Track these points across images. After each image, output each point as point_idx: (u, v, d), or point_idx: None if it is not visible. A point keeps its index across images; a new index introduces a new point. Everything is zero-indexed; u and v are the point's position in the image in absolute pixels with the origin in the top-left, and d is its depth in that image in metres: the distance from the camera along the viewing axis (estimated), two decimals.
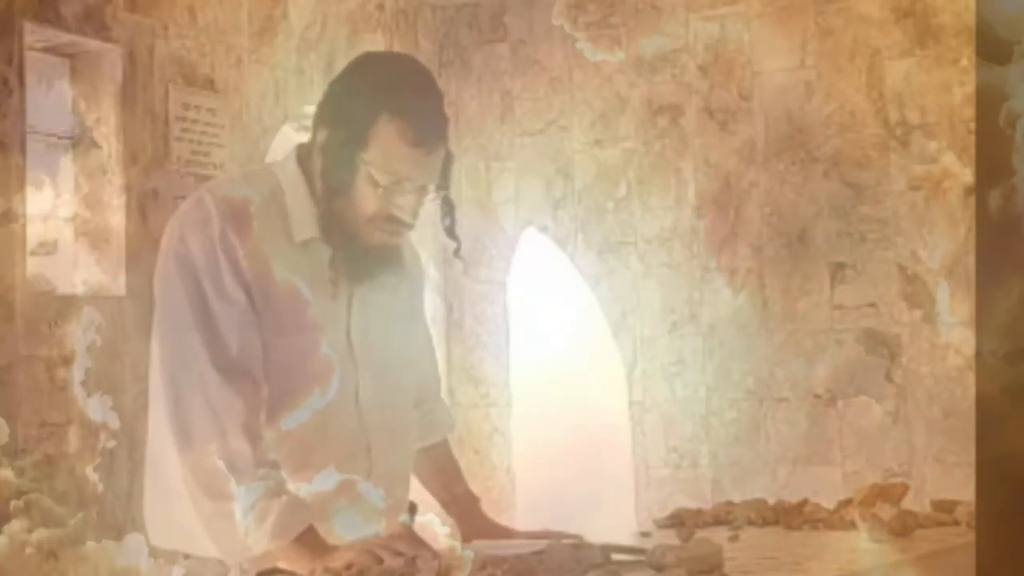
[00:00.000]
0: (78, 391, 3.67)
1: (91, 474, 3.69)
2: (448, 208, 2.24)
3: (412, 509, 2.42)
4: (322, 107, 2.17)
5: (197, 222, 2.14)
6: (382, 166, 2.10)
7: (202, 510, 2.09)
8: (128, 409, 3.78)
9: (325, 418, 2.15)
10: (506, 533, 2.41)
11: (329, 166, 2.13)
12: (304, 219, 2.17)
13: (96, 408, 3.72)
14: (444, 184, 2.20)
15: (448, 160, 2.19)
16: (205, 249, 2.11)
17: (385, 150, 2.10)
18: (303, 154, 2.22)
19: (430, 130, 2.12)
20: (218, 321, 2.10)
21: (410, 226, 2.16)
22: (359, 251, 2.16)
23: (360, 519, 2.07)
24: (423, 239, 5.21)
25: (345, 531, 2.06)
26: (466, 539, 2.39)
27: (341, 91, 2.16)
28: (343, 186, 2.12)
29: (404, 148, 2.09)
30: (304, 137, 2.28)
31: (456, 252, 2.28)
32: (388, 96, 2.11)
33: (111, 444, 3.75)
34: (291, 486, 2.10)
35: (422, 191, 2.15)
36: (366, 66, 2.22)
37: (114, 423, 3.76)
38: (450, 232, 2.26)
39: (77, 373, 3.67)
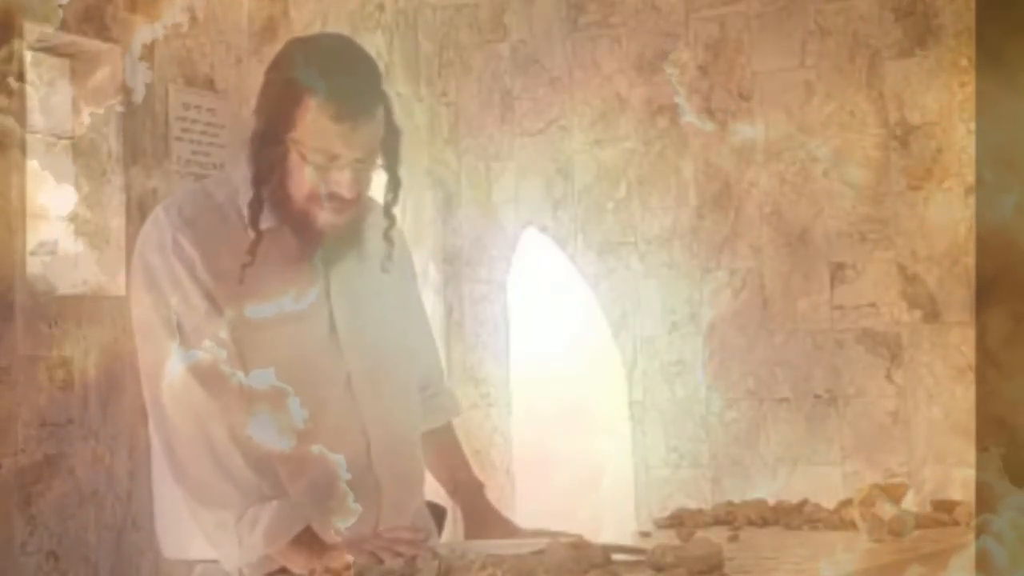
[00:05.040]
0: (78, 391, 3.67)
1: (91, 475, 3.69)
2: (393, 185, 2.25)
3: (441, 514, 2.42)
4: (257, 97, 2.20)
5: (152, 236, 2.18)
6: (310, 144, 2.11)
7: (196, 517, 2.10)
8: (128, 409, 3.78)
9: (317, 406, 2.15)
10: (508, 523, 2.42)
11: (259, 151, 2.14)
12: (263, 212, 2.18)
13: (96, 408, 3.72)
14: (392, 161, 2.21)
15: (394, 136, 2.19)
16: (163, 261, 2.14)
17: (311, 128, 2.11)
18: None
19: (354, 105, 2.12)
20: (189, 331, 2.11)
21: (351, 201, 2.16)
22: (308, 234, 2.17)
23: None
24: (423, 239, 5.23)
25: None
26: (469, 527, 2.40)
27: (269, 78, 2.19)
28: (273, 169, 2.13)
29: (329, 124, 2.10)
30: None
31: (387, 232, 2.29)
32: (311, 76, 2.12)
33: (111, 444, 3.75)
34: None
35: (359, 167, 2.15)
36: (291, 50, 2.23)
37: (114, 423, 3.76)
38: (387, 210, 2.28)
39: (77, 373, 3.67)
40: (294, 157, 2.12)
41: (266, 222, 2.18)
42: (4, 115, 3.52)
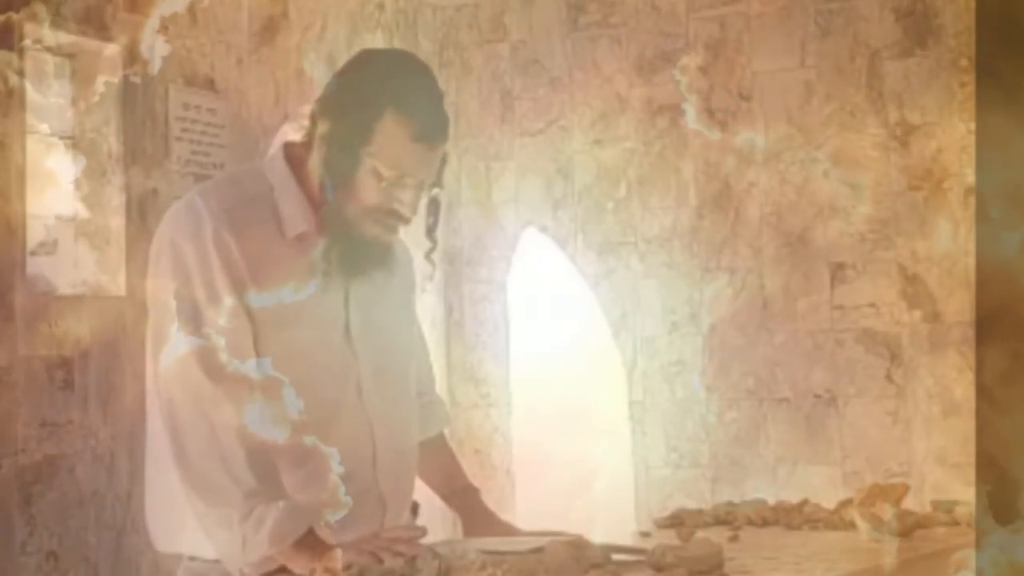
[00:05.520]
0: (78, 391, 3.67)
1: (91, 475, 3.69)
2: (434, 207, 2.26)
3: (414, 509, 2.43)
4: (324, 100, 2.17)
5: (189, 224, 2.14)
6: (387, 160, 2.11)
7: (200, 516, 2.09)
8: (128, 409, 3.78)
9: (328, 411, 2.15)
10: (507, 526, 2.42)
11: (332, 158, 2.13)
12: (295, 214, 2.17)
13: (96, 408, 3.72)
14: (438, 182, 2.22)
15: (444, 159, 2.20)
16: (198, 250, 2.11)
17: (390, 144, 2.11)
18: (291, 152, 2.23)
19: (434, 127, 2.13)
20: (209, 325, 2.09)
21: (407, 220, 2.17)
22: (353, 245, 2.16)
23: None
24: (423, 239, 5.22)
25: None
26: (468, 532, 2.40)
27: (345, 85, 2.17)
28: (345, 178, 2.12)
29: (409, 143, 2.11)
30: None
31: (428, 254, 2.29)
32: (393, 91, 2.12)
33: (111, 444, 3.75)
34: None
35: (421, 186, 2.16)
36: (370, 61, 2.22)
37: (114, 423, 3.76)
38: (430, 232, 2.27)
39: (77, 373, 3.67)
40: (364, 171, 2.12)
41: (301, 226, 2.17)
42: (4, 115, 3.52)
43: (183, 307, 2.10)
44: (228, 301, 2.10)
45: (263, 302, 2.13)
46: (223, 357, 2.07)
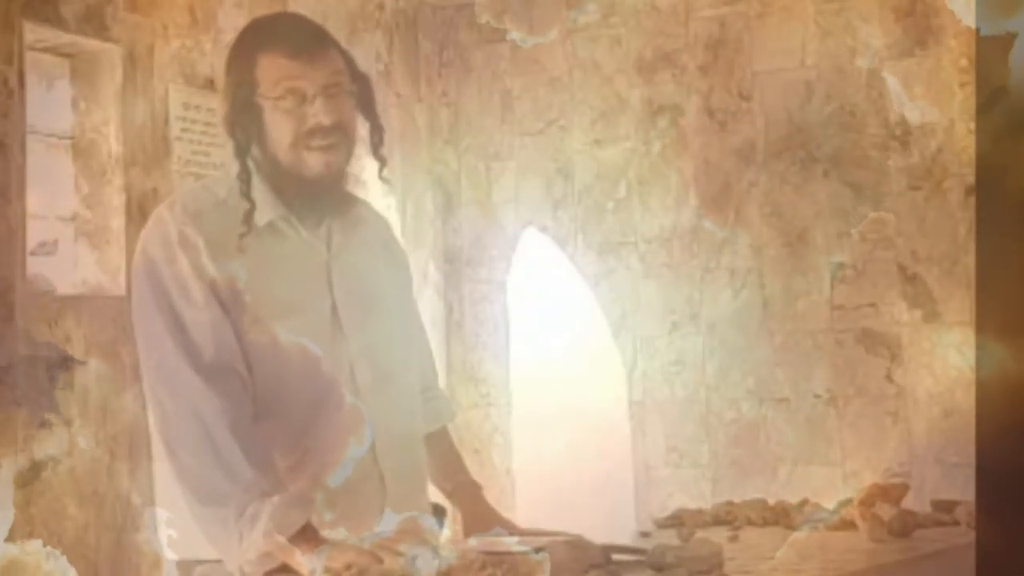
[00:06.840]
0: (78, 391, 3.67)
1: (91, 474, 3.69)
2: (377, 130, 2.29)
3: (440, 513, 2.42)
4: (221, 91, 2.25)
5: (156, 232, 2.19)
6: (276, 88, 2.17)
7: (196, 515, 2.10)
8: (128, 409, 3.78)
9: (320, 397, 2.16)
10: (508, 523, 2.41)
11: (233, 124, 2.19)
12: (262, 204, 2.20)
13: (96, 408, 3.72)
14: (369, 114, 2.27)
15: (363, 83, 2.25)
16: (166, 254, 2.15)
17: (272, 75, 2.17)
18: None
19: (304, 42, 2.20)
20: (189, 325, 2.12)
21: (334, 130, 2.19)
22: (303, 187, 2.18)
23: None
24: (423, 239, 5.23)
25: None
26: (468, 529, 2.40)
27: (227, 62, 2.27)
28: (255, 131, 2.18)
29: (285, 63, 2.17)
30: None
31: (380, 172, 2.32)
32: (262, 38, 2.22)
33: (111, 444, 3.75)
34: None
35: (330, 92, 2.18)
36: (243, 32, 2.31)
37: (114, 423, 3.76)
38: (375, 152, 2.31)
39: (77, 373, 3.67)
40: (268, 111, 2.17)
41: (269, 214, 2.19)
42: (4, 115, 3.52)
43: (163, 312, 2.13)
44: (202, 299, 2.12)
45: (240, 295, 2.14)
46: (208, 353, 2.09)
